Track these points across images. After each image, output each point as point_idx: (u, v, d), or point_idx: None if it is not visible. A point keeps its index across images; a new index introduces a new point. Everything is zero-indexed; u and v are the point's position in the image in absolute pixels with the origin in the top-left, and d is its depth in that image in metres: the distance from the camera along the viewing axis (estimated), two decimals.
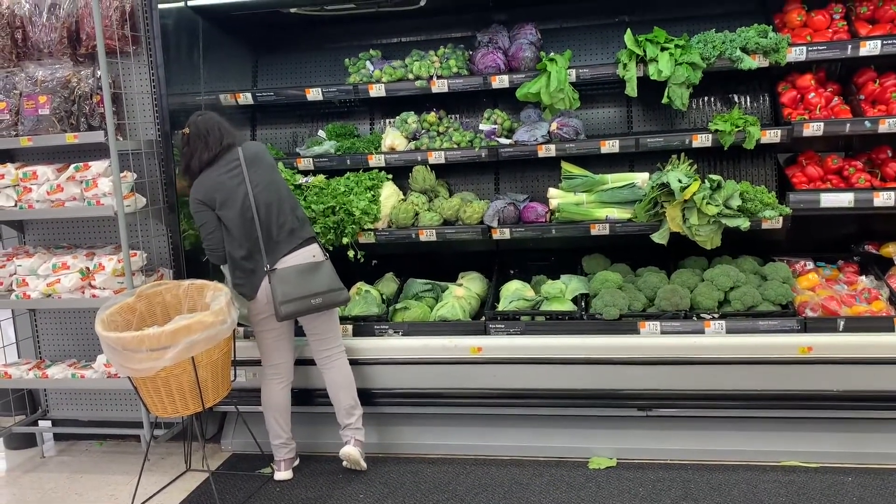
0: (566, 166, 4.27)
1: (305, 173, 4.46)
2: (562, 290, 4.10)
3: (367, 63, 4.48)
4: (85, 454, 4.45)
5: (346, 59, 4.60)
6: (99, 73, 3.79)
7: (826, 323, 3.60)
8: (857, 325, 3.57)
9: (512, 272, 4.55)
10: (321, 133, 4.73)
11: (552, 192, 4.25)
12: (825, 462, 3.59)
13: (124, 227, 3.79)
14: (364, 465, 3.73)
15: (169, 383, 3.37)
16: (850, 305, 3.69)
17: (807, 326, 3.62)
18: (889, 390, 3.51)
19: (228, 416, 4.33)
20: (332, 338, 3.72)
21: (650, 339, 3.75)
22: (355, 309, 4.15)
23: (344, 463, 3.73)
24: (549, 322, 3.92)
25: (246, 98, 4.48)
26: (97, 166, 3.86)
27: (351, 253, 4.20)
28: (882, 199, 3.72)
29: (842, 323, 3.57)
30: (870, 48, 3.76)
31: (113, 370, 3.99)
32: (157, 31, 3.94)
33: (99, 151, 3.97)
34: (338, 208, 4.14)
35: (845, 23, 3.98)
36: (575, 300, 4.07)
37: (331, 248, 4.07)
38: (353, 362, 3.87)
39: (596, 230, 4.07)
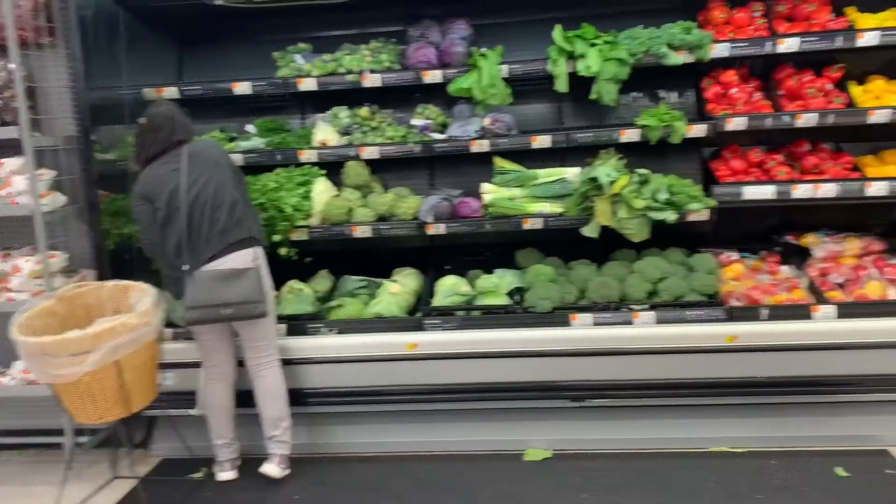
0: (499, 161, 4.29)
1: None
2: (496, 285, 4.12)
3: (297, 57, 4.40)
4: (3, 466, 4.24)
5: (275, 53, 4.51)
6: (12, 65, 3.61)
7: (750, 312, 3.72)
8: (779, 313, 3.70)
9: (447, 267, 4.54)
10: (250, 128, 4.62)
11: (485, 187, 4.26)
12: (752, 447, 3.71)
13: (42, 227, 3.63)
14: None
15: (92, 389, 3.24)
16: (772, 294, 3.82)
17: (732, 315, 3.73)
18: (809, 375, 3.65)
19: (158, 420, 4.19)
20: (264, 346, 3.61)
21: (582, 330, 3.80)
22: (288, 308, 4.08)
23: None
24: (485, 316, 3.93)
25: (171, 92, 4.34)
26: (11, 163, 3.69)
27: (283, 251, 4.12)
28: (801, 191, 3.86)
29: (765, 312, 3.69)
30: (788, 45, 3.89)
31: (32, 376, 3.81)
32: (74, 23, 3.78)
33: (14, 148, 3.77)
34: (268, 205, 4.06)
35: (765, 20, 4.11)
36: (510, 294, 4.09)
37: (268, 246, 3.98)
38: (287, 363, 3.80)
39: (529, 224, 4.10)
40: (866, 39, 3.82)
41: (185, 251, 3.39)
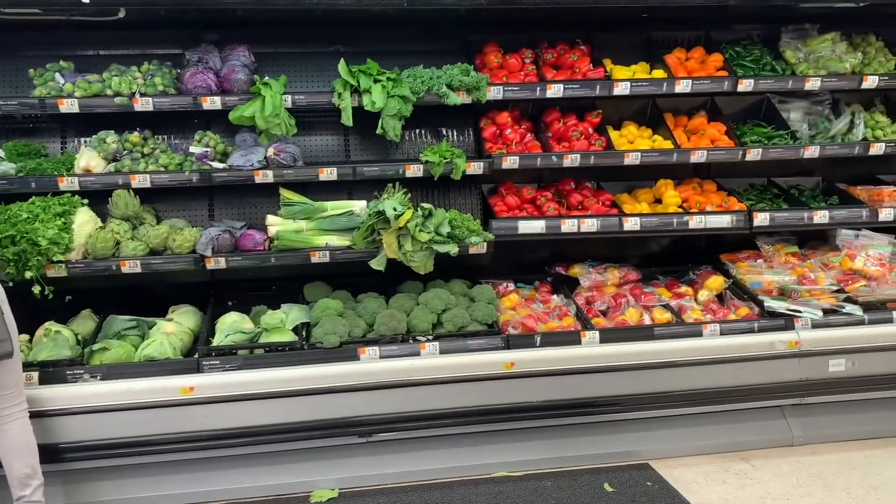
0: (285, 193, 4.18)
1: None
2: (282, 320, 3.99)
3: (57, 75, 4.01)
4: None
5: (31, 70, 4.07)
6: None
7: (525, 339, 3.92)
8: (551, 339, 3.93)
9: (230, 303, 4.34)
10: None
11: (271, 219, 4.13)
12: (529, 469, 3.88)
13: None
14: None
15: None
16: (545, 322, 4.06)
17: (509, 343, 3.90)
18: (579, 397, 3.92)
19: None
20: (8, 395, 3.18)
21: (370, 364, 3.78)
22: (43, 353, 3.64)
23: None
24: (269, 354, 3.78)
25: None
26: None
27: (37, 289, 3.68)
28: (568, 226, 4.16)
29: (538, 338, 3.91)
30: (555, 91, 4.21)
31: None
32: None
33: None
34: (19, 237, 3.61)
35: (535, 67, 4.41)
36: (296, 329, 3.98)
37: (11, 284, 3.53)
38: (41, 414, 3.40)
39: (316, 258, 4.03)
40: (621, 89, 4.24)
41: None
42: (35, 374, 3.54)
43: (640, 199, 4.54)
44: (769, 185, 4.87)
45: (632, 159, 4.25)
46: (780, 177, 4.91)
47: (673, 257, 4.90)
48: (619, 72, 4.41)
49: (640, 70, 4.48)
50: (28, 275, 3.64)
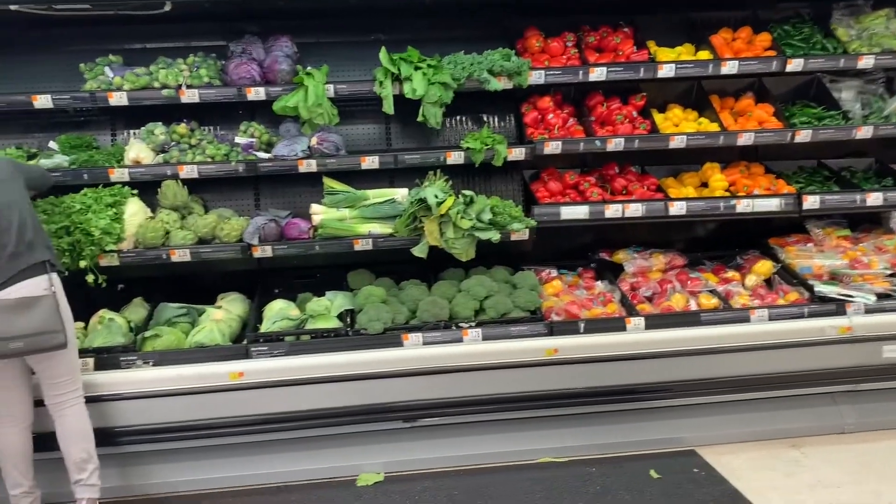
0: (328, 182, 4.22)
1: None
2: (327, 307, 4.04)
3: (106, 69, 4.10)
4: None
5: (82, 65, 4.17)
6: None
7: (569, 326, 3.90)
8: (596, 326, 3.91)
9: (276, 291, 4.41)
10: (52, 145, 4.24)
11: (315, 207, 4.18)
12: (573, 455, 3.88)
13: None
14: None
15: None
16: (588, 308, 4.03)
17: (553, 330, 3.89)
18: (624, 384, 3.89)
19: None
20: (64, 382, 3.29)
21: (413, 350, 3.81)
22: (97, 340, 3.75)
23: None
24: (315, 340, 3.84)
25: None
26: None
27: (91, 277, 3.80)
28: (612, 211, 4.12)
29: (582, 325, 3.89)
30: (598, 74, 4.16)
31: None
32: None
33: None
34: (73, 228, 3.72)
35: (577, 51, 4.37)
36: (340, 316, 4.03)
37: (66, 273, 3.64)
38: (96, 399, 3.51)
39: (360, 245, 4.07)
40: (665, 71, 4.17)
41: None
42: (91, 361, 3.65)
43: (686, 183, 4.47)
44: (819, 167, 4.74)
45: (677, 142, 4.18)
46: (831, 158, 4.78)
47: (719, 242, 4.82)
48: (664, 54, 4.34)
49: (684, 52, 4.40)
50: (82, 264, 3.76)
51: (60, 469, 3.36)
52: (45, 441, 3.37)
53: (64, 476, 3.37)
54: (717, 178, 4.38)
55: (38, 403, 3.37)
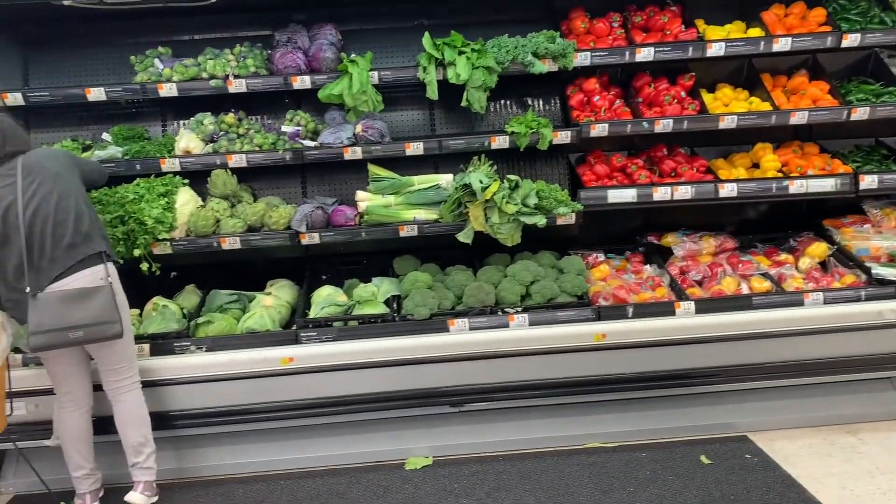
0: (373, 169, 4.25)
1: None
2: (374, 293, 4.08)
3: (156, 61, 4.18)
4: None
5: (133, 57, 4.26)
6: None
7: (617, 310, 3.86)
8: (644, 310, 3.86)
9: (324, 277, 4.47)
10: (106, 136, 4.34)
11: (360, 194, 4.21)
12: (623, 441, 3.85)
13: None
14: None
15: None
16: (637, 293, 3.98)
17: (600, 315, 3.86)
18: (673, 369, 3.84)
19: (7, 454, 3.85)
20: (121, 369, 3.39)
21: (460, 335, 3.82)
22: (152, 326, 3.85)
23: None
24: (362, 326, 3.87)
25: (15, 98, 4.02)
26: None
27: (144, 266, 3.89)
28: (660, 194, 4.05)
29: (630, 310, 3.85)
30: (645, 54, 4.08)
31: None
32: None
33: None
34: (127, 217, 3.82)
35: (623, 31, 4.29)
36: (387, 302, 4.06)
37: (121, 261, 3.74)
38: (151, 384, 3.60)
39: (405, 231, 4.08)
40: (714, 50, 4.08)
41: (26, 272, 3.11)
42: (146, 346, 3.75)
43: (737, 165, 4.36)
44: (877, 145, 4.58)
45: (727, 123, 4.09)
46: (890, 137, 4.61)
47: (772, 224, 4.70)
48: (713, 32, 4.24)
49: (735, 29, 4.28)
50: (136, 252, 3.85)
51: (120, 452, 3.46)
52: (105, 424, 3.47)
53: (123, 459, 3.47)
54: (770, 159, 4.27)
55: (98, 388, 3.47)
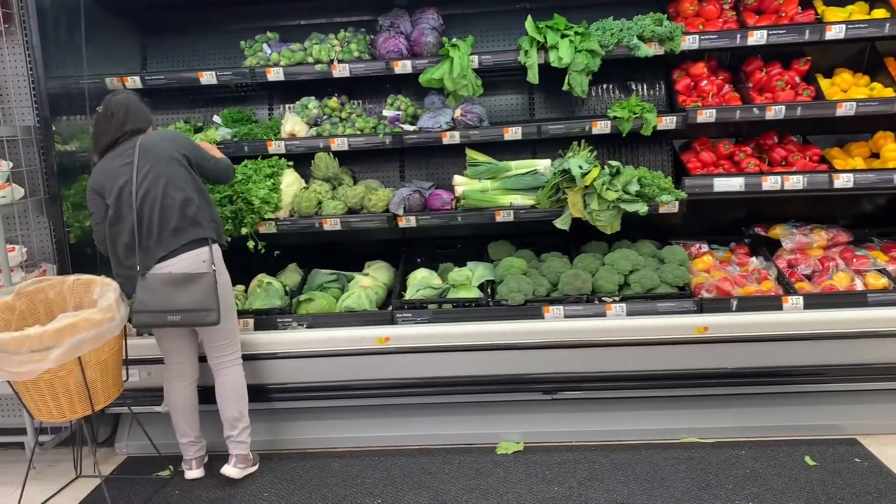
0: (471, 153, 4.25)
1: None
2: (468, 277, 4.09)
3: (264, 46, 4.32)
4: None
5: (242, 42, 4.42)
6: None
7: (720, 303, 3.73)
8: (749, 304, 3.72)
9: (419, 260, 4.52)
10: (216, 119, 4.53)
11: (457, 179, 4.22)
12: (721, 437, 3.74)
13: None
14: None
15: (54, 386, 3.15)
16: (741, 286, 3.84)
17: (702, 307, 3.74)
18: (779, 366, 3.68)
19: (122, 417, 4.11)
20: (223, 346, 3.50)
21: (554, 323, 3.79)
22: (257, 302, 4.00)
23: None
24: (456, 309, 3.90)
25: (134, 82, 4.23)
26: None
27: (251, 244, 4.05)
28: (769, 183, 3.88)
29: (735, 303, 3.71)
30: (757, 38, 3.90)
31: None
32: (32, 9, 3.69)
33: None
34: (235, 197, 3.98)
35: (734, 13, 4.12)
36: (481, 287, 4.07)
37: (229, 239, 3.90)
38: (254, 357, 3.75)
39: (501, 217, 4.08)
40: (834, 33, 3.86)
41: (136, 251, 3.26)
42: (251, 321, 3.90)
43: (854, 154, 4.13)
44: None
45: (845, 110, 3.86)
46: None
47: (890, 218, 4.43)
48: (833, 13, 4.01)
49: (857, 10, 4.04)
50: (243, 231, 4.01)
51: (217, 421, 3.62)
52: (211, 395, 3.62)
53: (220, 427, 3.63)
54: (891, 148, 4.02)
55: (204, 360, 3.61)
